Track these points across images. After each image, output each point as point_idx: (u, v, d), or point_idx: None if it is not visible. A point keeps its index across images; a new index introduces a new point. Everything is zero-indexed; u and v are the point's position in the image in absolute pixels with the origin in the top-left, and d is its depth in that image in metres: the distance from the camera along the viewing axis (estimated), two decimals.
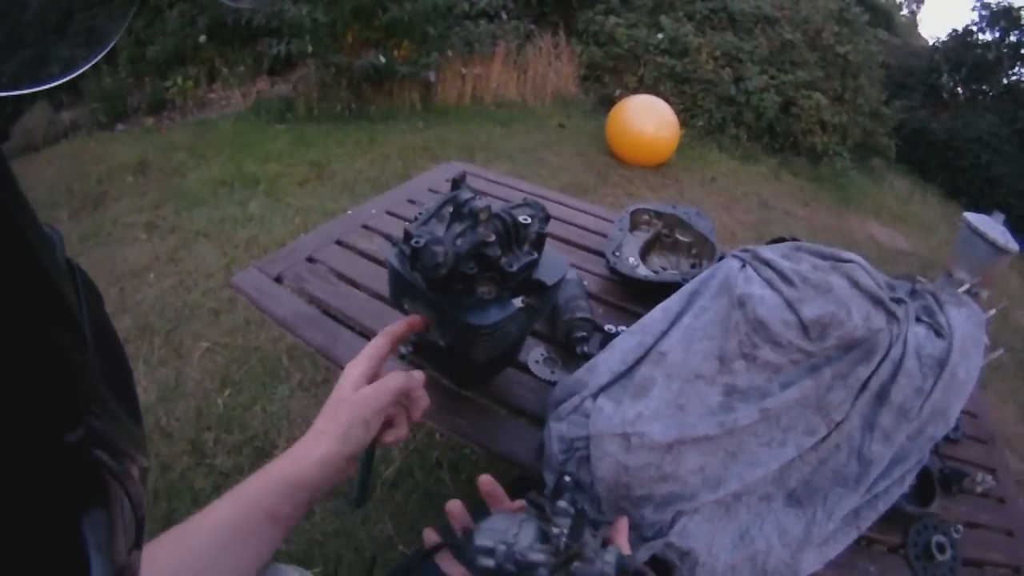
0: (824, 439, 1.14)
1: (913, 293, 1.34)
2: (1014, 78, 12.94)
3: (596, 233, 2.04)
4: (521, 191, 2.28)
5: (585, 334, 1.42)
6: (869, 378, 1.15)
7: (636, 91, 7.07)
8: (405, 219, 1.91)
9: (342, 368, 0.97)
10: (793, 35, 8.04)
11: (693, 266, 1.81)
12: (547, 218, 1.13)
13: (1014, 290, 6.42)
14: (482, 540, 0.81)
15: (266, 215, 4.04)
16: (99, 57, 0.46)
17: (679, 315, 1.20)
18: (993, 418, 1.81)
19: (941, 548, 1.23)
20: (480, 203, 1.02)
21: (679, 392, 1.11)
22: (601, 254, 1.83)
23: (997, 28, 12.97)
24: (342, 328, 1.49)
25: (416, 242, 0.98)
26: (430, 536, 0.88)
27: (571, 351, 1.43)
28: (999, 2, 12.88)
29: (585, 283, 1.64)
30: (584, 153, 6.22)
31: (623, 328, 1.33)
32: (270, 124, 5.81)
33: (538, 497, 0.87)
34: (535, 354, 1.45)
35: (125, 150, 5.09)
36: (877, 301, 1.16)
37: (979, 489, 1.44)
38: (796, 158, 7.78)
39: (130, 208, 4.14)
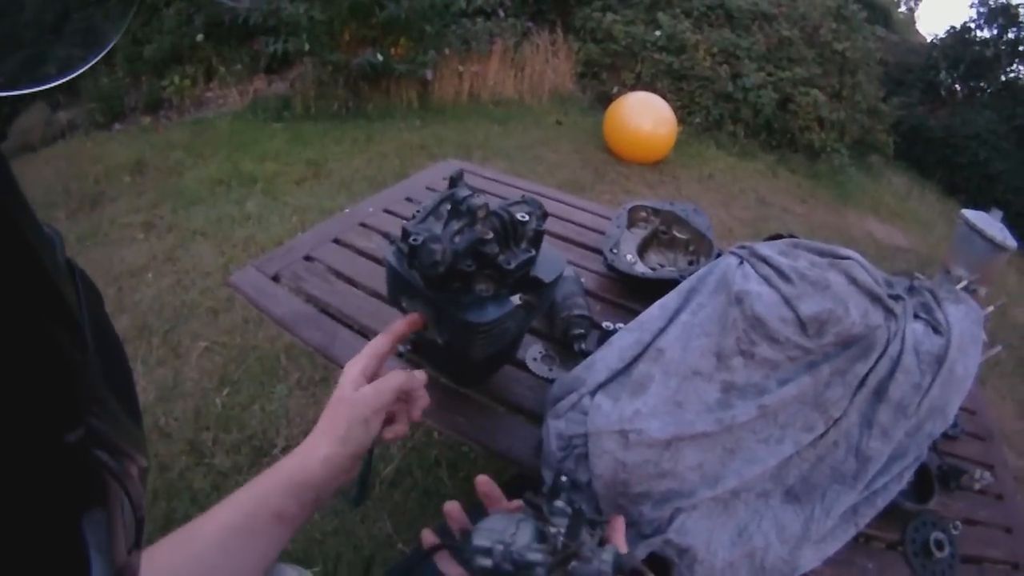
0: (822, 436, 1.14)
1: (911, 290, 1.34)
2: (1012, 75, 12.97)
3: (594, 230, 2.04)
4: (519, 189, 2.28)
5: (583, 331, 1.42)
6: (867, 375, 1.15)
7: (633, 88, 7.07)
8: (403, 217, 1.91)
9: (340, 367, 0.97)
10: (791, 32, 8.04)
11: (691, 263, 1.81)
12: (544, 215, 1.13)
13: (1012, 287, 6.42)
14: (480, 540, 0.81)
15: (263, 214, 4.04)
16: (98, 58, 0.46)
17: (677, 312, 1.20)
18: (992, 415, 1.81)
19: (939, 545, 1.23)
20: (478, 200, 1.02)
21: (677, 389, 1.11)
22: (599, 251, 1.82)
23: (995, 25, 12.98)
24: (340, 327, 1.49)
25: (414, 240, 0.98)
26: (428, 537, 0.88)
27: (569, 348, 1.43)
28: None
29: (583, 280, 1.65)
30: (581, 150, 6.21)
31: (621, 325, 1.33)
32: (267, 123, 5.80)
33: (535, 497, 0.87)
34: (533, 351, 1.45)
35: (122, 150, 5.08)
36: (875, 298, 1.16)
37: (977, 486, 1.44)
38: (794, 155, 7.77)
39: (127, 208, 4.14)
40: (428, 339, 1.10)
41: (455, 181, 1.09)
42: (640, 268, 1.71)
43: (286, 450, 2.30)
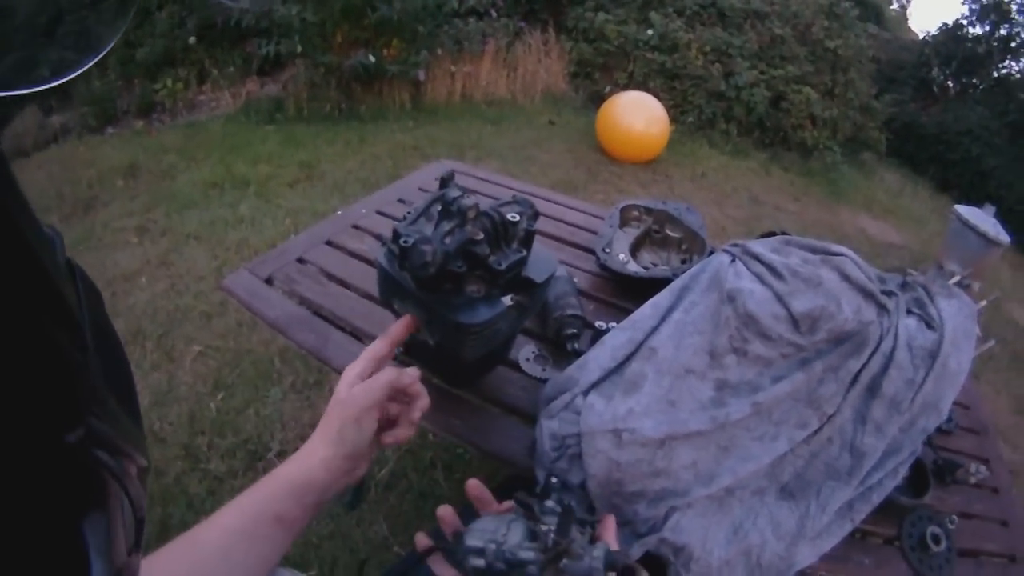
0: (816, 432, 1.14)
1: (904, 285, 1.34)
2: (1004, 71, 13.02)
3: (586, 230, 2.04)
4: (511, 189, 2.27)
5: (576, 331, 1.42)
6: (860, 371, 1.15)
7: (626, 87, 7.08)
8: (395, 219, 1.89)
9: (333, 369, 0.97)
10: (783, 30, 8.05)
11: (684, 261, 1.81)
12: (536, 215, 1.12)
13: (1005, 282, 6.45)
14: (472, 541, 0.82)
15: (257, 217, 4.03)
16: (94, 60, 0.46)
17: (669, 310, 1.20)
18: (986, 409, 1.82)
19: (936, 539, 1.23)
20: (468, 201, 1.01)
21: (670, 388, 1.11)
22: (591, 251, 1.82)
23: (987, 22, 13.03)
24: (333, 329, 1.48)
25: (404, 241, 0.98)
26: (422, 540, 0.88)
27: (562, 348, 1.42)
28: None
29: (575, 280, 1.64)
30: (574, 150, 6.21)
31: (614, 325, 1.32)
32: (260, 125, 5.79)
33: (526, 497, 0.87)
34: (526, 352, 1.45)
35: (115, 153, 5.07)
36: (867, 294, 1.16)
37: (973, 480, 1.45)
38: (786, 153, 7.78)
39: (121, 212, 4.13)
40: (420, 340, 1.10)
41: (446, 182, 1.08)
42: (633, 267, 1.71)
43: (281, 454, 2.30)
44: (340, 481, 0.89)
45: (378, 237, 1.35)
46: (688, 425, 1.07)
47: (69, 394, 0.28)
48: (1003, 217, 1.67)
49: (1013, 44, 12.80)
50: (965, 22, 13.33)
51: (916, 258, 5.88)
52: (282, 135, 5.53)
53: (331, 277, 1.65)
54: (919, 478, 1.31)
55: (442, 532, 0.89)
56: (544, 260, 1.14)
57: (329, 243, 1.79)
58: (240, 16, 5.72)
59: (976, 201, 1.71)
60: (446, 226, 1.01)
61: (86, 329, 0.31)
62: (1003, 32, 12.86)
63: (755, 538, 1.09)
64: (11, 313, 0.24)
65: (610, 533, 0.89)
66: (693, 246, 1.81)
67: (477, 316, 1.01)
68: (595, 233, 1.94)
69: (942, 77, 13.38)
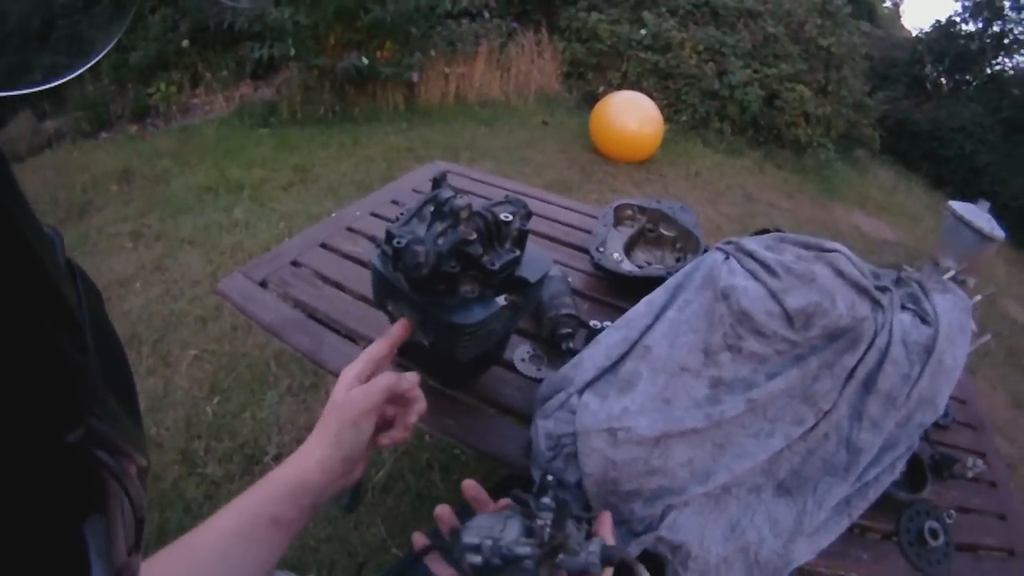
0: (812, 429, 1.14)
1: (898, 281, 1.34)
2: (997, 68, 13.06)
3: (580, 230, 2.04)
4: (505, 189, 2.27)
5: (570, 331, 1.42)
6: (855, 367, 1.15)
7: (619, 87, 7.07)
8: (389, 220, 1.90)
9: (328, 371, 0.97)
10: (776, 28, 8.06)
11: (678, 260, 1.81)
12: (529, 215, 1.12)
13: (1001, 278, 6.47)
14: (469, 538, 0.81)
15: (251, 220, 4.03)
16: (90, 64, 0.46)
17: (663, 309, 1.20)
18: (983, 404, 1.82)
19: (934, 534, 1.23)
20: (461, 201, 1.01)
21: (665, 386, 1.11)
22: (585, 251, 1.82)
23: (980, 18, 13.07)
24: (327, 331, 1.48)
25: (398, 242, 0.98)
26: (419, 539, 0.88)
27: (557, 348, 1.42)
28: None
29: (570, 279, 1.64)
30: (568, 150, 6.22)
31: (608, 324, 1.32)
32: (254, 129, 5.78)
33: (522, 494, 0.87)
34: (521, 352, 1.45)
35: (109, 158, 5.05)
36: (861, 290, 1.16)
37: (970, 474, 1.46)
38: (780, 151, 7.80)
39: (115, 217, 4.11)
40: (415, 341, 1.09)
41: (438, 182, 1.09)
42: (627, 266, 1.71)
43: (278, 457, 2.30)
44: (336, 483, 0.89)
45: (372, 239, 1.34)
46: (683, 423, 1.07)
47: (69, 394, 0.28)
48: (997, 213, 1.67)
49: (1006, 41, 12.84)
50: (958, 19, 13.39)
51: (911, 254, 5.89)
52: (276, 138, 5.52)
53: (325, 280, 1.64)
54: (916, 473, 1.31)
55: (439, 532, 0.89)
56: (538, 260, 1.14)
57: (323, 245, 1.79)
58: (234, 18, 5.71)
59: (970, 197, 1.72)
60: (439, 227, 1.01)
61: (86, 329, 0.31)
62: (996, 29, 12.90)
63: (752, 535, 1.09)
64: (11, 313, 0.24)
65: (607, 529, 0.89)
66: (687, 245, 1.81)
67: (471, 316, 1.01)
68: (589, 233, 1.94)
69: (935, 74, 13.41)
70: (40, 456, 0.26)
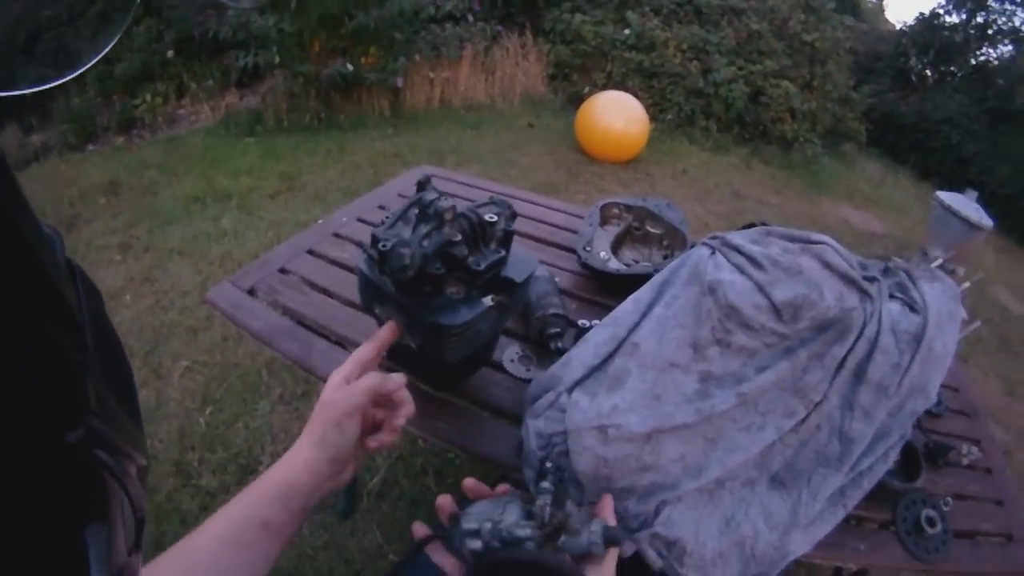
0: (804, 420, 1.14)
1: (886, 271, 1.34)
2: (982, 58, 13.13)
3: (567, 230, 2.04)
4: (492, 192, 2.27)
5: (559, 330, 1.42)
6: (845, 357, 1.15)
7: (604, 88, 7.09)
8: (375, 225, 1.89)
9: (318, 378, 0.97)
10: (760, 25, 8.10)
11: (665, 257, 1.81)
12: (513, 215, 1.12)
13: (990, 265, 6.51)
14: (468, 524, 0.82)
15: (239, 230, 4.03)
16: (86, 67, 0.46)
17: (650, 305, 1.19)
18: (977, 392, 1.83)
19: (931, 521, 1.24)
20: (445, 203, 1.01)
21: (654, 382, 1.10)
22: (573, 250, 1.82)
23: (964, 10, 13.14)
24: (316, 337, 1.48)
25: (383, 246, 0.98)
26: (419, 528, 0.89)
27: (545, 348, 1.42)
28: None
29: (557, 279, 1.64)
30: (554, 152, 6.24)
31: (597, 322, 1.32)
32: (240, 138, 5.78)
33: (521, 477, 0.87)
34: (510, 353, 1.44)
35: (96, 171, 5.04)
36: (849, 280, 1.16)
37: (965, 461, 1.46)
38: (767, 147, 7.83)
39: (103, 229, 4.11)
40: (402, 344, 1.09)
41: (423, 185, 1.08)
42: (614, 264, 1.71)
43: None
44: (324, 485, 0.89)
45: (359, 244, 1.34)
46: (674, 418, 1.06)
47: (69, 394, 0.28)
48: (985, 202, 1.68)
49: (990, 31, 12.92)
50: (942, 11, 13.47)
51: (900, 246, 5.92)
52: (262, 147, 5.52)
53: (313, 286, 1.64)
54: (911, 462, 1.32)
55: (440, 522, 0.89)
56: (523, 260, 1.14)
57: (311, 252, 1.78)
58: (218, 27, 5.70)
59: (958, 187, 1.72)
60: (424, 229, 1.01)
61: (86, 329, 0.32)
62: (979, 20, 12.99)
63: (747, 529, 1.09)
64: (11, 313, 0.24)
65: (608, 511, 0.89)
66: (674, 241, 1.81)
67: (457, 317, 1.01)
68: (576, 233, 1.94)
69: (920, 66, 13.49)
70: (40, 456, 0.26)
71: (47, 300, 0.27)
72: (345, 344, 1.45)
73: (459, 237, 1.00)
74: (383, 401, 0.97)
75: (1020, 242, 9.16)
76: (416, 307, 1.02)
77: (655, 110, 7.41)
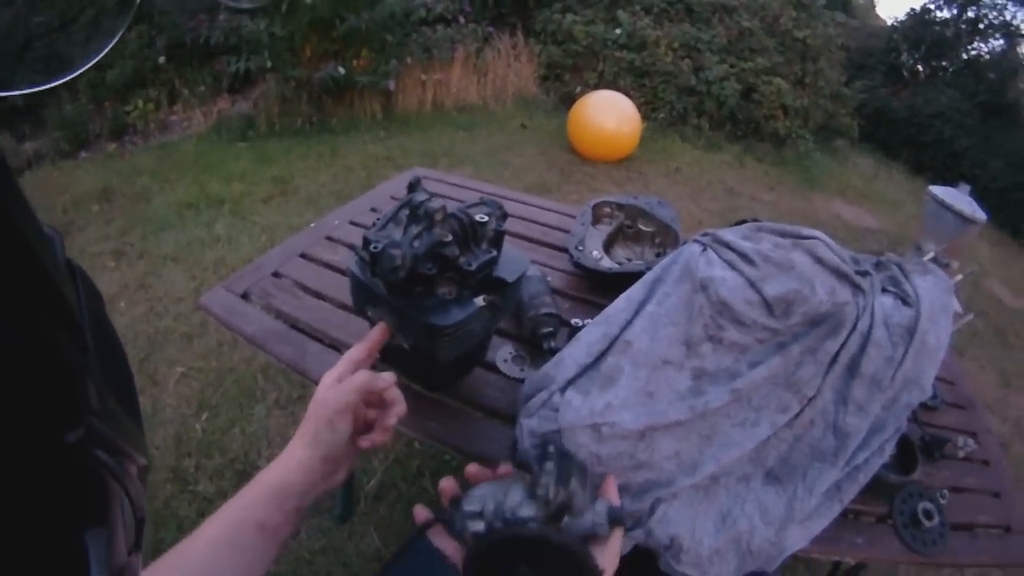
0: (798, 415, 1.14)
1: (878, 265, 1.34)
2: (973, 53, 13.16)
3: (559, 230, 2.04)
4: (484, 193, 2.27)
5: (551, 329, 1.42)
6: (838, 352, 1.15)
7: (596, 87, 7.09)
8: (367, 228, 1.89)
9: (313, 381, 0.97)
10: (751, 22, 8.11)
11: (658, 255, 1.81)
12: (504, 216, 1.12)
13: (985, 259, 6.53)
14: (470, 506, 0.81)
15: (233, 235, 4.03)
16: (82, 70, 0.46)
17: (642, 303, 1.19)
18: (973, 384, 1.84)
19: (928, 514, 1.24)
20: (435, 204, 1.01)
21: (647, 380, 1.10)
22: (565, 250, 1.82)
23: (955, 5, 13.17)
24: (310, 341, 1.48)
25: (374, 247, 0.98)
26: (421, 513, 0.89)
27: (539, 348, 1.42)
28: None
29: (549, 279, 1.65)
30: (547, 152, 6.24)
31: (589, 321, 1.32)
32: (232, 143, 5.78)
33: (524, 460, 0.86)
34: (503, 353, 1.44)
35: (89, 178, 5.04)
36: (841, 275, 1.16)
37: (962, 454, 1.47)
38: (759, 144, 7.83)
39: (97, 236, 4.10)
40: (395, 346, 1.09)
41: (413, 187, 1.08)
42: (606, 263, 1.71)
43: None
44: (319, 485, 0.89)
45: (351, 247, 1.34)
46: (667, 416, 1.06)
47: (69, 394, 0.28)
48: (978, 195, 1.68)
49: (981, 26, 12.95)
50: (933, 6, 13.50)
51: (893, 241, 5.93)
52: (255, 152, 5.52)
53: (306, 289, 1.64)
54: (907, 455, 1.32)
55: (442, 506, 0.88)
56: (515, 260, 1.14)
57: (303, 256, 1.78)
58: (210, 32, 5.71)
59: (951, 182, 1.73)
60: (414, 230, 1.01)
61: (86, 329, 0.32)
62: (970, 14, 13.01)
63: (744, 525, 1.09)
64: (12, 313, 0.24)
65: (612, 491, 0.88)
66: (666, 239, 1.81)
67: (449, 317, 1.01)
68: (568, 232, 1.94)
69: (911, 61, 13.51)
70: (40, 456, 0.26)
71: (47, 300, 0.27)
72: (338, 347, 1.45)
73: (450, 237, 1.00)
74: (375, 401, 0.97)
75: (1014, 235, 9.17)
76: (408, 308, 1.02)
77: (647, 109, 7.42)
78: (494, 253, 1.08)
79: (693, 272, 1.15)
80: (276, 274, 1.69)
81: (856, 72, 11.67)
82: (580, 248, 1.73)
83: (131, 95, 6.46)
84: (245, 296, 1.60)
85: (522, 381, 1.32)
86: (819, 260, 1.15)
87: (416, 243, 0.99)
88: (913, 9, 13.89)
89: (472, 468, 0.94)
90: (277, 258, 1.76)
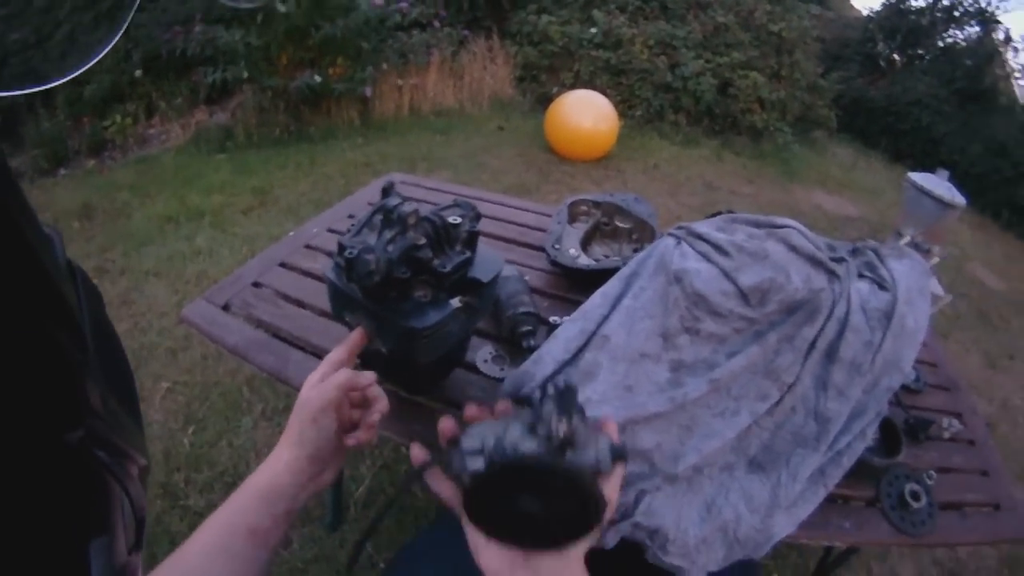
0: (778, 403, 1.15)
1: (854, 251, 1.35)
2: (949, 40, 13.21)
3: (537, 229, 2.04)
4: (463, 196, 2.27)
5: (530, 328, 1.42)
6: (816, 338, 1.16)
7: (573, 87, 7.09)
8: (345, 235, 1.90)
9: (296, 388, 0.97)
10: (726, 17, 8.14)
11: (635, 251, 1.81)
12: (478, 217, 1.13)
13: (966, 243, 6.58)
14: (469, 443, 0.77)
15: (214, 247, 4.01)
16: (81, 71, 0.47)
17: (618, 298, 1.20)
18: (957, 366, 1.85)
19: (915, 495, 1.25)
20: (407, 208, 1.02)
21: (626, 373, 1.11)
22: (543, 249, 1.82)
23: None
24: (292, 349, 1.47)
25: (349, 253, 0.98)
26: (418, 454, 0.85)
27: (518, 347, 1.42)
28: None
29: (527, 278, 1.65)
30: (525, 153, 6.25)
31: (567, 319, 1.33)
32: (211, 155, 5.75)
33: (524, 397, 0.84)
34: (483, 353, 1.45)
35: (68, 195, 5.00)
36: (816, 262, 1.17)
37: (947, 434, 1.48)
38: (737, 137, 7.86)
39: (78, 254, 4.05)
40: (374, 350, 1.09)
41: (387, 191, 1.09)
42: (584, 261, 1.71)
43: None
44: (307, 486, 0.89)
45: (330, 255, 1.35)
46: (647, 408, 1.07)
47: (69, 395, 0.28)
48: (958, 181, 1.69)
49: (956, 13, 13.00)
50: None
51: (874, 228, 5.96)
52: (234, 163, 5.50)
53: (287, 298, 1.64)
54: (891, 438, 1.33)
55: (438, 446, 0.83)
56: (490, 260, 1.14)
57: (283, 265, 1.78)
58: (186, 44, 5.69)
59: (929, 168, 1.74)
60: (388, 234, 1.01)
61: (86, 330, 0.32)
62: (946, 2, 13.05)
63: (729, 513, 1.10)
64: (12, 313, 0.24)
65: (612, 429, 0.87)
66: (644, 235, 1.82)
67: (426, 320, 1.01)
68: (546, 231, 1.95)
69: (888, 51, 13.56)
70: (41, 456, 0.26)
71: (48, 300, 0.27)
72: (320, 354, 1.44)
73: (423, 241, 1.01)
74: (358, 401, 0.98)
75: (995, 218, 9.25)
76: (385, 312, 1.02)
77: (624, 107, 7.43)
78: (468, 254, 1.08)
79: (667, 265, 1.15)
80: (256, 284, 1.69)
81: (833, 63, 11.74)
82: (557, 247, 1.74)
83: (109, 110, 6.42)
84: (226, 307, 1.60)
85: (502, 380, 1.32)
86: (793, 248, 1.16)
87: (390, 247, 0.99)
88: None
89: (471, 409, 0.90)
90: (257, 268, 1.76)
